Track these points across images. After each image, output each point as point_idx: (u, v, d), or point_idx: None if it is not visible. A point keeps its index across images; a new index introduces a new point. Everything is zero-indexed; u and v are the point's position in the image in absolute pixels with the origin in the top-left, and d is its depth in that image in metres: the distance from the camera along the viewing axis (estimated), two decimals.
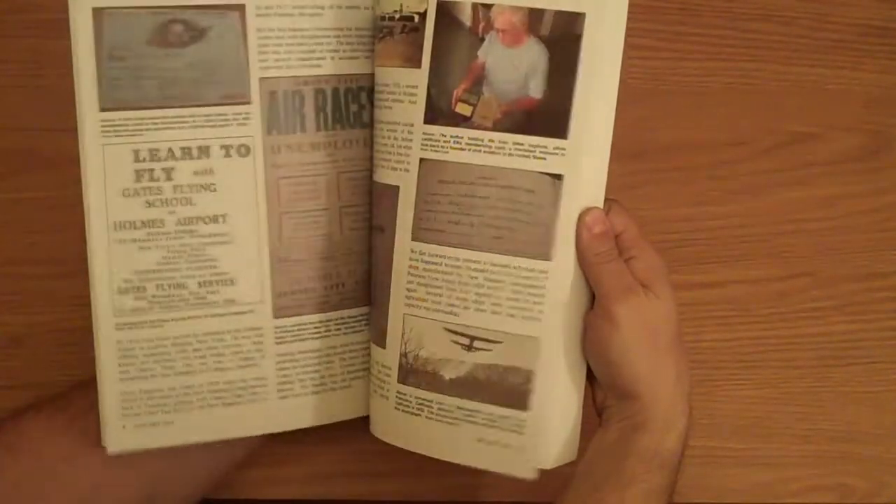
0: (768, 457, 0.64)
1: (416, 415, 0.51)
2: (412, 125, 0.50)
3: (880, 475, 0.64)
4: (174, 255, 0.52)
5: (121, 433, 0.52)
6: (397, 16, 0.50)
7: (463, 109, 0.49)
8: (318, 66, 0.52)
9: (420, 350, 0.51)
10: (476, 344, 0.50)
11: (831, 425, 0.64)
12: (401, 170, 0.51)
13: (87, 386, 0.53)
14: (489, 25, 0.48)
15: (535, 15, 0.48)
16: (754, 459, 0.64)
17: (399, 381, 0.52)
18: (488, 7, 0.48)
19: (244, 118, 0.52)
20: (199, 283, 0.52)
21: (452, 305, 0.50)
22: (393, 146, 0.51)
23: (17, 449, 0.53)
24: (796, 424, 0.64)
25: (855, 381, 0.64)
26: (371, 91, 0.53)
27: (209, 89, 0.51)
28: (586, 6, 0.47)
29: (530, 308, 0.49)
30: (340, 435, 0.54)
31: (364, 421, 0.55)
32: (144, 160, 0.51)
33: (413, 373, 0.51)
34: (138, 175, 0.51)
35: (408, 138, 0.50)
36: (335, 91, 0.53)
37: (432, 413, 0.51)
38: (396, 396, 0.52)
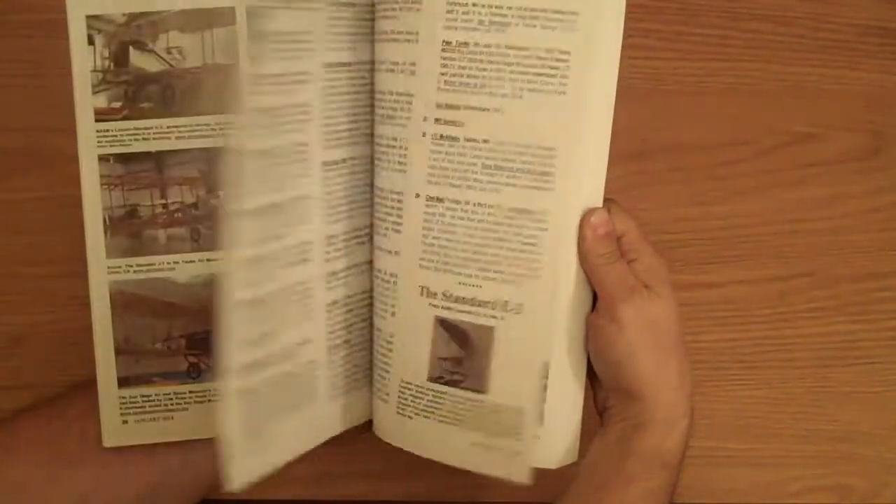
0: (768, 457, 0.64)
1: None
2: None
3: (880, 475, 0.64)
4: None
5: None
6: None
7: None
8: None
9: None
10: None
11: (831, 425, 0.64)
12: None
13: (86, 388, 0.53)
14: None
15: None
16: (754, 459, 0.64)
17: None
18: None
19: None
20: None
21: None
22: None
23: (16, 450, 0.52)
24: (796, 424, 0.64)
25: (855, 381, 0.64)
26: None
27: None
28: None
29: None
30: (340, 435, 0.53)
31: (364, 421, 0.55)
32: None
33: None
34: None
35: None
36: None
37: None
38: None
